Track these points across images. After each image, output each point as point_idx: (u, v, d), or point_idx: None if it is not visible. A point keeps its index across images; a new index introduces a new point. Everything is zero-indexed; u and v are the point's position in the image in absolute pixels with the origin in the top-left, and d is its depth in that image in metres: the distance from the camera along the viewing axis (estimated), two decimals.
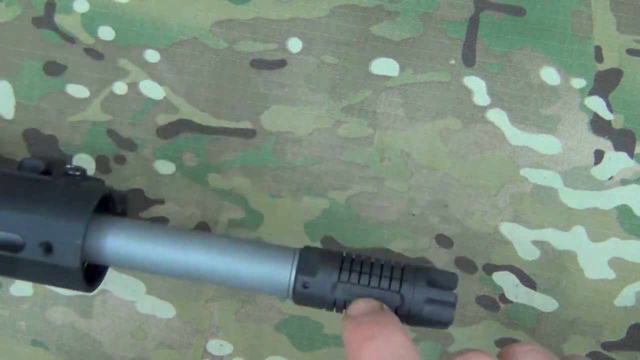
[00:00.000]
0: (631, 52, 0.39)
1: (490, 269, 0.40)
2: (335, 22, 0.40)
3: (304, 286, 0.31)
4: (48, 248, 0.32)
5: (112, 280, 0.41)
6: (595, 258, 0.40)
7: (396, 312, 0.31)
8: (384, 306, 0.30)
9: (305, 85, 0.40)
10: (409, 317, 0.31)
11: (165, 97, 0.40)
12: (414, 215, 0.40)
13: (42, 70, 0.40)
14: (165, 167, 0.40)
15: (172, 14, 0.40)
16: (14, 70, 0.40)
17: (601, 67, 0.39)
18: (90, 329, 0.41)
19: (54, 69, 0.40)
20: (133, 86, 0.40)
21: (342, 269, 0.31)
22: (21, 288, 0.41)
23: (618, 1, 0.39)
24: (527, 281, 0.40)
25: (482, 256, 0.40)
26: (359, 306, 0.30)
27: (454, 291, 0.32)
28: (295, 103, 0.40)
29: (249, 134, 0.40)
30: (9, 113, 0.40)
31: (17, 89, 0.40)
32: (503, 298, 0.40)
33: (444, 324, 0.31)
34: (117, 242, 0.33)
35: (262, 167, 0.40)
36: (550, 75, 0.39)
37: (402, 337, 0.28)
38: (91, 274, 0.35)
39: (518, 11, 0.39)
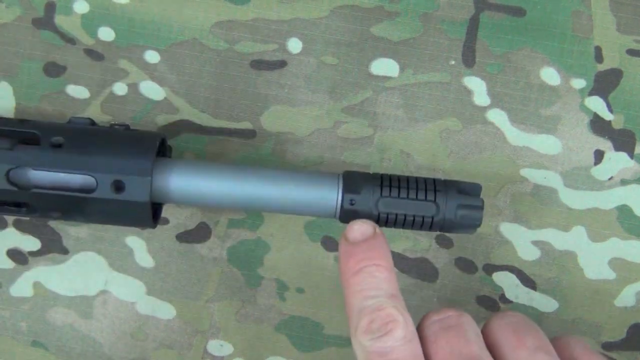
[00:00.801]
0: (631, 52, 0.39)
1: (490, 269, 0.40)
2: (336, 23, 0.40)
3: (351, 203, 0.34)
4: (119, 186, 0.34)
5: (112, 281, 0.41)
6: (595, 258, 0.40)
7: (432, 220, 0.34)
8: (377, 230, 0.34)
9: (305, 86, 0.40)
10: (443, 222, 0.35)
11: (165, 98, 0.40)
12: None
13: (42, 71, 0.40)
14: None
15: (172, 15, 0.40)
16: (14, 71, 0.40)
17: (601, 67, 0.40)
18: (91, 330, 0.41)
19: (54, 70, 0.40)
20: (133, 87, 0.40)
21: (383, 186, 0.35)
22: (21, 289, 0.41)
23: (618, 1, 0.39)
24: (527, 281, 0.40)
25: (482, 256, 0.40)
26: (355, 229, 0.33)
27: (480, 197, 0.35)
28: (296, 103, 0.40)
29: (249, 134, 0.40)
30: (9, 114, 0.40)
31: (17, 90, 0.40)
32: (503, 298, 0.40)
33: (474, 225, 0.35)
34: (179, 179, 0.35)
35: None
36: (550, 75, 0.39)
37: (386, 272, 0.32)
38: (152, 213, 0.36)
39: (518, 12, 0.39)
